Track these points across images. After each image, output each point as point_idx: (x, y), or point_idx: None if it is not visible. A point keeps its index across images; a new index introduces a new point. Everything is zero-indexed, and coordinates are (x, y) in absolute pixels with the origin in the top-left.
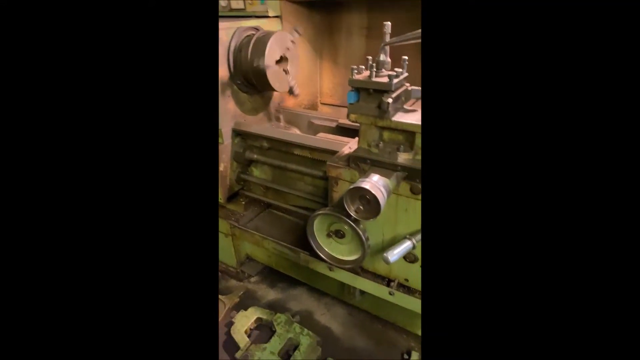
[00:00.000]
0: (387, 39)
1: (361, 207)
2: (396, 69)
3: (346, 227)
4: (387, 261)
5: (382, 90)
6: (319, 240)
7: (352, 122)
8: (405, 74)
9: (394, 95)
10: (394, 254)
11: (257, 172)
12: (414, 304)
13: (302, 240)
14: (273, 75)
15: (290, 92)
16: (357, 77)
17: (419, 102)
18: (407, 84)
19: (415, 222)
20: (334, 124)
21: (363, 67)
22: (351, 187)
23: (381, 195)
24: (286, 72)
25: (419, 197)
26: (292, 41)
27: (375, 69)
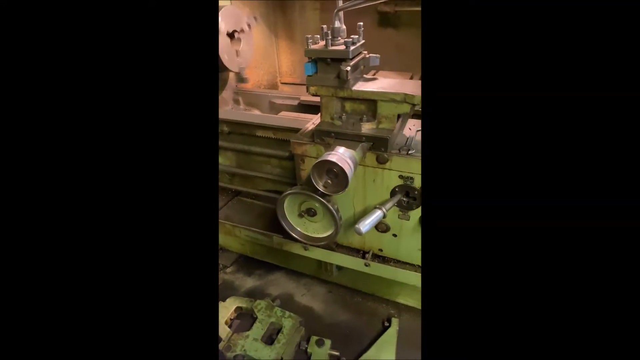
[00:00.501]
0: (340, 4)
1: (329, 181)
2: (352, 36)
3: (317, 205)
4: (359, 232)
5: (340, 59)
6: (290, 221)
7: (312, 95)
8: (362, 41)
9: (352, 63)
10: (366, 224)
11: (220, 158)
12: (390, 273)
13: (275, 224)
14: (223, 49)
15: (240, 79)
16: (313, 47)
17: (380, 72)
18: (365, 52)
19: (384, 192)
20: (295, 102)
21: (318, 36)
22: (317, 161)
23: (348, 167)
24: (237, 53)
25: (386, 166)
26: (248, 24)
27: (330, 37)
